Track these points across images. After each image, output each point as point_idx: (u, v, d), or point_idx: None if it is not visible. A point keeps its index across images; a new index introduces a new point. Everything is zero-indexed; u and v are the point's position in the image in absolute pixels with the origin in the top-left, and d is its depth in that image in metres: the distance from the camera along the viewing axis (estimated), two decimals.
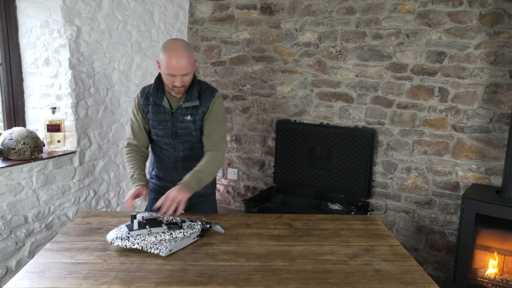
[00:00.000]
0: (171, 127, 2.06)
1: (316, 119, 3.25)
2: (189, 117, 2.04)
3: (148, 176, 2.20)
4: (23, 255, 2.52)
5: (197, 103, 2.03)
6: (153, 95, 2.04)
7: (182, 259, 1.63)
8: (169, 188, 1.90)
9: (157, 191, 2.18)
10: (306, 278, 1.51)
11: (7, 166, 2.37)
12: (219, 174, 3.69)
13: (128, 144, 2.14)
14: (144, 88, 2.13)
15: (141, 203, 3.38)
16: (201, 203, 2.22)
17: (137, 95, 2.13)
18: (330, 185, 3.15)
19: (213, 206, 2.31)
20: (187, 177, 1.94)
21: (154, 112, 2.07)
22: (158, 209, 1.92)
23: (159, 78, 2.04)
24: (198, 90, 2.05)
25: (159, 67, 1.98)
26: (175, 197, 1.83)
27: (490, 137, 2.72)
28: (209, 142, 2.07)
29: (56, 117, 2.70)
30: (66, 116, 2.76)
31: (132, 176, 2.03)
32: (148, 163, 2.22)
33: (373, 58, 2.99)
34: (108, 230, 1.84)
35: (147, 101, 2.08)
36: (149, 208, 2.15)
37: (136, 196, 1.93)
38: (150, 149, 2.22)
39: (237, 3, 3.40)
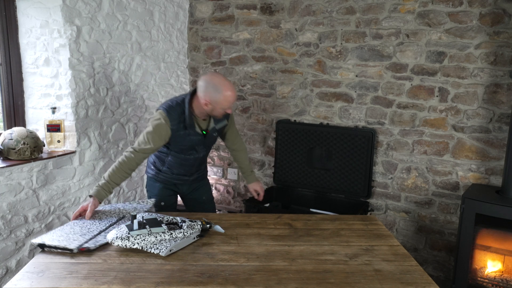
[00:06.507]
0: (203, 145, 2.32)
1: (316, 119, 3.25)
2: (216, 133, 2.37)
3: (151, 169, 2.44)
4: (23, 255, 2.52)
5: (225, 122, 2.38)
6: (189, 125, 2.17)
7: (182, 259, 1.63)
8: (179, 180, 2.38)
9: (166, 182, 2.41)
10: (306, 278, 1.51)
11: (7, 166, 2.37)
12: (219, 174, 3.69)
13: (133, 153, 2.10)
14: (170, 115, 2.13)
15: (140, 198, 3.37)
16: (202, 187, 2.53)
17: (167, 124, 2.11)
18: (330, 185, 3.15)
19: (209, 186, 2.62)
20: (250, 172, 2.60)
21: (182, 136, 2.19)
22: (158, 209, 2.22)
23: (188, 109, 2.15)
24: None
25: (208, 104, 2.09)
26: (262, 186, 2.63)
27: (490, 137, 2.72)
28: (238, 142, 2.56)
29: (56, 117, 2.70)
30: (66, 116, 2.76)
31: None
32: (151, 159, 2.45)
33: (373, 58, 2.99)
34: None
35: (177, 128, 2.16)
36: (155, 195, 2.40)
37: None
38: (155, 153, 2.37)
39: (237, 3, 3.40)
